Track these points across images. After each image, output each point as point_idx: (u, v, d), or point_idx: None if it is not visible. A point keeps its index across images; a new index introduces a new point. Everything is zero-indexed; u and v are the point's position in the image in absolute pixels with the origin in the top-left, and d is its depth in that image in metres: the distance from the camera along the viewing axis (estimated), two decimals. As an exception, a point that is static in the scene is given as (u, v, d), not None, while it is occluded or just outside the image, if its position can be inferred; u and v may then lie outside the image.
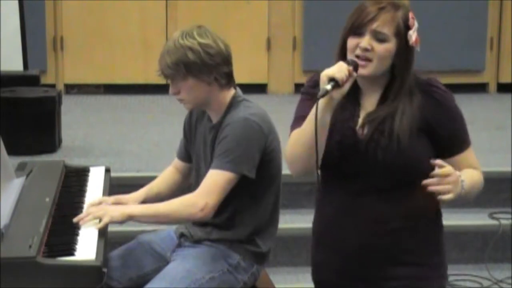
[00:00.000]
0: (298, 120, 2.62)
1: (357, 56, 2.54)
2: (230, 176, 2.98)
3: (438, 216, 2.70)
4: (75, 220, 2.87)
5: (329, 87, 2.44)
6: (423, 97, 2.58)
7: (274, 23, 7.37)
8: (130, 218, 2.97)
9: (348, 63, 2.51)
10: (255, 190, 3.07)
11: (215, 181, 2.98)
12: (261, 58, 7.38)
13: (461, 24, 7.40)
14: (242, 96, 3.12)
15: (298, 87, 7.37)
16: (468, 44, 7.44)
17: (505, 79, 7.59)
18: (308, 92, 2.68)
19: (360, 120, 2.61)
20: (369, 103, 2.62)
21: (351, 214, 2.62)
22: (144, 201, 3.19)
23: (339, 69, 2.46)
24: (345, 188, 2.62)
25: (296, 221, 4.68)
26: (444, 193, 2.43)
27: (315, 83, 2.60)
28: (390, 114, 2.56)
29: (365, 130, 2.58)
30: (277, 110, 6.50)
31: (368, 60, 2.54)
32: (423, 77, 2.62)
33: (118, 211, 2.95)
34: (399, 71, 2.57)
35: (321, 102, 2.46)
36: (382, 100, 2.60)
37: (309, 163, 2.54)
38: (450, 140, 2.60)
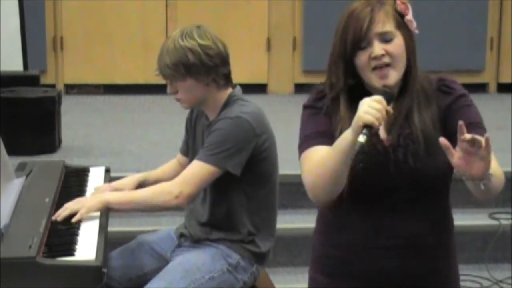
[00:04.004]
0: (309, 139, 2.40)
1: (374, 68, 2.33)
2: (211, 169, 2.99)
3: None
4: (53, 217, 2.87)
5: (362, 139, 2.17)
6: (436, 93, 2.42)
7: (274, 23, 7.37)
8: (106, 205, 2.97)
9: (387, 96, 2.26)
10: (249, 188, 3.08)
11: (195, 171, 3.00)
12: (261, 58, 7.38)
13: (461, 24, 7.40)
14: (238, 95, 3.13)
15: (298, 87, 7.38)
16: (468, 44, 7.45)
17: (505, 79, 7.59)
18: (314, 106, 2.44)
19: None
20: None
21: (381, 236, 2.38)
22: (142, 185, 3.23)
23: (378, 114, 2.19)
24: (371, 207, 2.37)
25: (296, 221, 4.68)
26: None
27: (321, 96, 2.44)
28: (408, 110, 2.37)
29: (390, 135, 2.36)
30: (277, 110, 6.55)
31: (387, 65, 2.34)
32: (433, 76, 2.46)
33: (94, 200, 2.96)
34: (409, 62, 2.39)
35: (350, 139, 2.21)
36: (398, 98, 2.40)
37: (333, 194, 2.32)
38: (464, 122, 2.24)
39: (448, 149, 2.16)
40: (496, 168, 2.27)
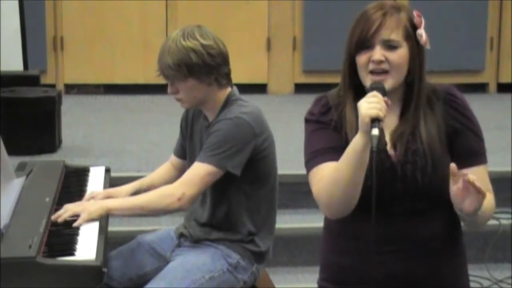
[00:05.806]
0: (317, 155, 2.39)
1: (372, 72, 2.35)
2: (212, 169, 2.99)
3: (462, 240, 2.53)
4: (53, 218, 2.86)
5: (376, 132, 2.20)
6: (443, 106, 2.42)
7: (274, 23, 7.37)
8: (108, 212, 2.95)
9: (379, 89, 2.29)
10: (248, 188, 3.08)
11: (197, 172, 2.99)
12: (261, 58, 7.38)
13: (461, 24, 7.40)
14: (237, 95, 3.13)
15: (298, 87, 7.37)
16: (468, 44, 7.45)
17: (505, 79, 7.59)
18: (320, 121, 2.44)
19: (387, 141, 2.39)
20: (390, 119, 2.39)
21: (390, 241, 2.39)
22: (136, 193, 3.20)
23: (379, 105, 2.23)
24: (380, 216, 2.30)
25: (296, 221, 4.68)
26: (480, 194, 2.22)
27: (327, 109, 2.44)
28: (415, 125, 2.38)
29: (397, 151, 2.37)
30: (277, 110, 6.56)
31: (385, 72, 2.35)
32: (439, 86, 2.46)
33: (96, 206, 2.93)
34: (414, 75, 2.39)
35: (362, 142, 2.23)
36: (403, 114, 2.41)
37: (349, 205, 2.33)
38: (467, 150, 2.40)
39: (454, 176, 2.21)
40: (488, 205, 2.33)
